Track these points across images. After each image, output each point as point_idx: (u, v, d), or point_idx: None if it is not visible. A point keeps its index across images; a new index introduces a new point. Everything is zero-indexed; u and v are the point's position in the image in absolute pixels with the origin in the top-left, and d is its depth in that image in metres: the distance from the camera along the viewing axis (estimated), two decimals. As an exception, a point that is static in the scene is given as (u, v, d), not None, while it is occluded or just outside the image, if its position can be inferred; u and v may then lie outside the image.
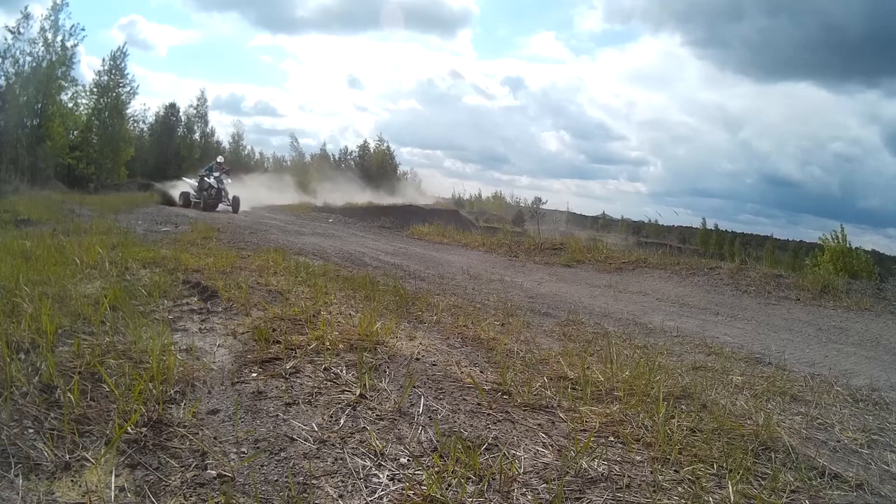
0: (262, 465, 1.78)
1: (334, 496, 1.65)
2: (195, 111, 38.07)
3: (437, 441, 2.02)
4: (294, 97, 72.96)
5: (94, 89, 31.24)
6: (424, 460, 1.90)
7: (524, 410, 2.42)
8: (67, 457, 1.70)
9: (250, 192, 21.90)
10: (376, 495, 1.68)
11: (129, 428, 1.86)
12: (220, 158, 20.98)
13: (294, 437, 1.97)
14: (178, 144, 38.71)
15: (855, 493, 2.01)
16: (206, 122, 39.28)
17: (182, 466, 1.72)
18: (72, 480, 1.60)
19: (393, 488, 1.72)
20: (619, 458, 2.04)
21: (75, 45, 28.51)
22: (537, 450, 2.06)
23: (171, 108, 36.77)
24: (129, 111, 33.42)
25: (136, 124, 34.56)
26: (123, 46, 36.44)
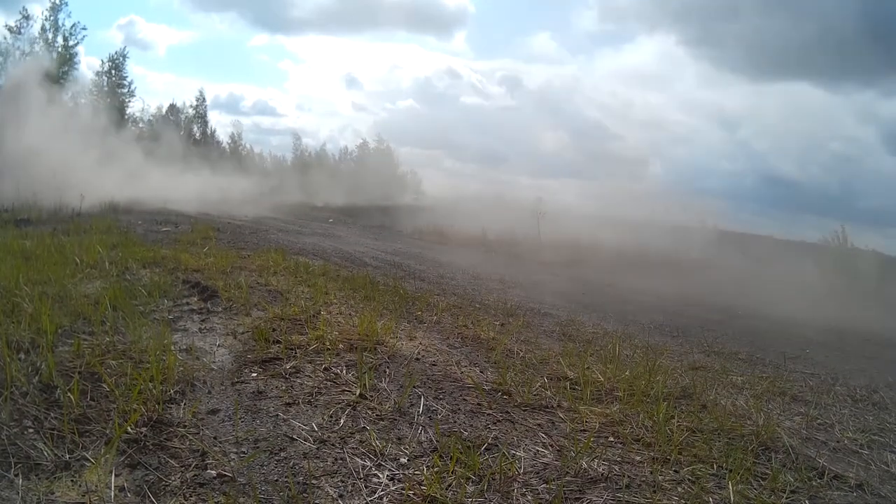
0: (262, 465, 1.78)
1: (334, 496, 1.65)
2: (194, 111, 37.97)
3: (437, 441, 2.02)
4: (293, 97, 73.06)
5: (93, 90, 31.19)
6: (424, 460, 1.90)
7: (524, 411, 2.42)
8: (67, 456, 1.70)
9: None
10: (376, 495, 1.68)
11: (129, 428, 1.86)
12: None
13: (294, 436, 1.97)
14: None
15: (855, 494, 2.01)
16: (206, 122, 39.21)
17: (182, 466, 1.72)
18: (72, 480, 1.60)
19: (393, 488, 1.72)
20: (618, 459, 2.04)
21: (76, 45, 28.45)
22: (537, 450, 2.06)
23: (172, 109, 36.74)
24: (128, 112, 33.33)
25: (135, 124, 34.48)
26: (124, 49, 36.40)
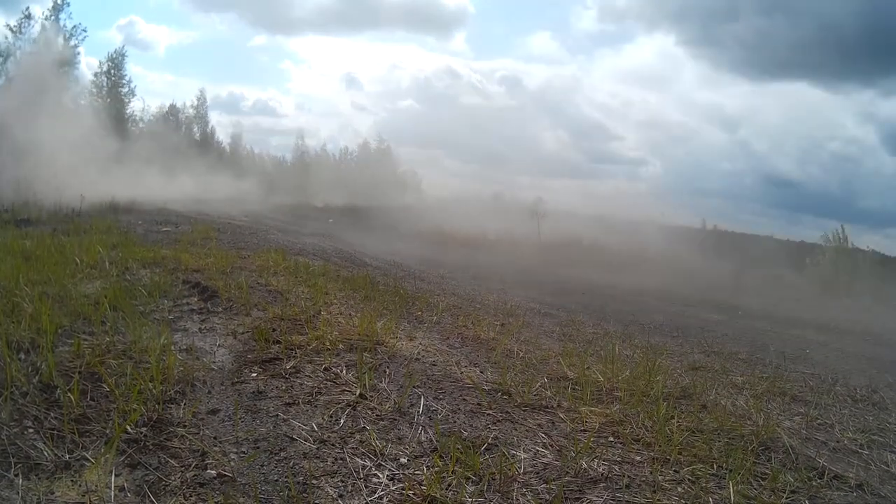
0: (262, 465, 1.78)
1: (334, 496, 1.65)
2: (195, 111, 37.97)
3: (437, 441, 2.02)
4: (293, 97, 73.38)
5: (93, 90, 31.17)
6: (424, 460, 1.90)
7: (524, 411, 2.42)
8: (67, 456, 1.70)
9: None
10: (376, 495, 1.68)
11: (128, 427, 1.86)
12: None
13: (294, 436, 1.97)
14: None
15: (855, 494, 2.01)
16: (207, 123, 39.25)
17: (182, 466, 1.72)
18: (72, 480, 1.60)
19: (393, 488, 1.72)
20: (619, 459, 2.04)
21: (76, 46, 28.44)
22: (537, 450, 2.06)
23: (171, 109, 36.71)
24: (128, 111, 33.27)
25: (136, 124, 34.43)
26: (122, 48, 36.40)
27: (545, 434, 2.20)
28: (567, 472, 1.89)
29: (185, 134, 35.64)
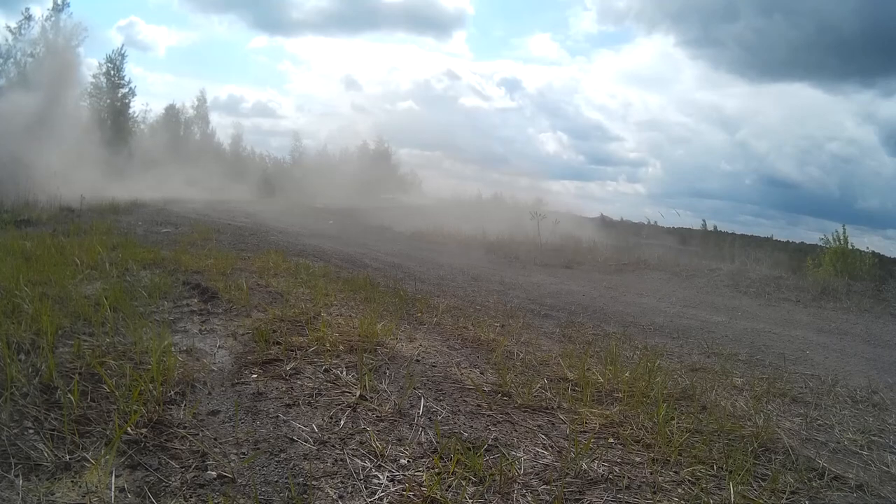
0: (262, 466, 1.78)
1: (334, 497, 1.65)
2: (195, 112, 38.01)
3: (437, 442, 2.02)
4: (292, 98, 73.52)
5: (92, 90, 31.16)
6: (424, 461, 1.90)
7: (524, 412, 2.42)
8: (67, 457, 1.70)
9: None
10: (376, 496, 1.68)
11: (129, 429, 1.86)
12: None
13: (294, 438, 1.97)
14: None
15: (855, 495, 2.01)
16: (207, 123, 39.32)
17: (182, 467, 1.72)
18: (72, 481, 1.61)
19: (393, 489, 1.72)
20: (619, 460, 2.04)
21: (77, 46, 28.45)
22: (537, 451, 2.06)
23: (171, 110, 36.73)
24: (130, 111, 33.25)
25: (136, 124, 34.45)
26: (121, 48, 36.44)
27: (545, 435, 2.20)
28: (567, 473, 1.89)
29: (185, 135, 35.69)
